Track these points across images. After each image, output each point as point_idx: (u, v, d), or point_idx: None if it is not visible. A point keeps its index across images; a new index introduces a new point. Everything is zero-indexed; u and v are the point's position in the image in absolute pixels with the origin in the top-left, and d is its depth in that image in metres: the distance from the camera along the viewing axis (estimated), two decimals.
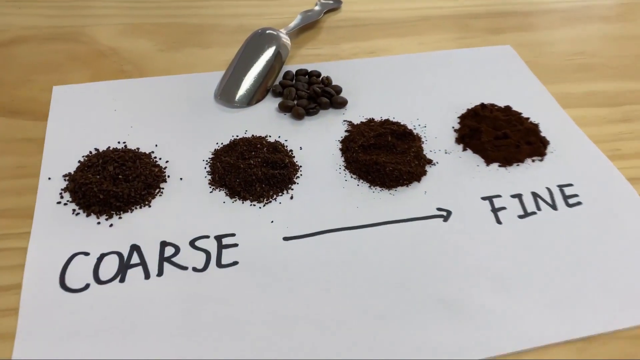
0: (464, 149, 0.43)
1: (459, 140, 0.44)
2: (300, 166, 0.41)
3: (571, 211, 0.39)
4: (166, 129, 0.43)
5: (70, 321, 0.31)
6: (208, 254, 0.35)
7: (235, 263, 0.34)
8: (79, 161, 0.40)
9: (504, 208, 0.39)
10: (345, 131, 0.44)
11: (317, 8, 0.58)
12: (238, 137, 0.42)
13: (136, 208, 0.37)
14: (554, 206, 0.39)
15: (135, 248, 0.35)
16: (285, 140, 0.43)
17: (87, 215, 0.36)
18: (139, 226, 0.36)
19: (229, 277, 0.33)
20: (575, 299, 0.33)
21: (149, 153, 0.41)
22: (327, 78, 0.48)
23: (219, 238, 0.35)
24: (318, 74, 0.49)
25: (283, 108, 0.45)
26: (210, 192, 0.38)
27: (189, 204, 0.37)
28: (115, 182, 0.37)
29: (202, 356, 0.30)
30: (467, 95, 0.48)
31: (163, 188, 0.39)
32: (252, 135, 0.43)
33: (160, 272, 0.33)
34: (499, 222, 0.38)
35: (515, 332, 0.32)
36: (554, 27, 0.59)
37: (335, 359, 0.30)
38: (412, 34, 0.56)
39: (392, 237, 0.36)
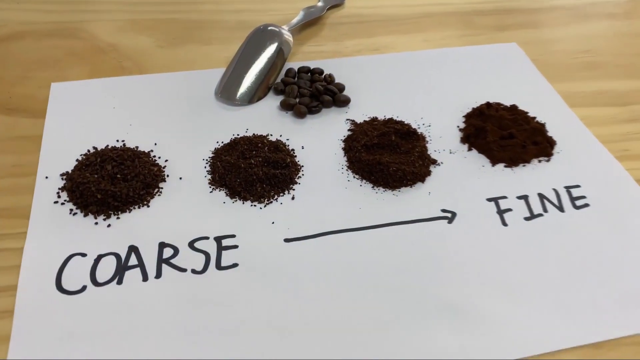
0: (469, 149, 0.42)
1: (464, 140, 0.43)
2: (302, 166, 0.40)
3: (578, 213, 0.38)
4: (166, 127, 0.42)
5: (67, 324, 0.30)
6: (207, 255, 0.34)
7: (235, 265, 0.34)
8: (77, 160, 0.39)
9: (509, 210, 0.38)
10: (348, 130, 0.43)
11: (320, 4, 0.57)
12: (239, 136, 0.42)
13: (134, 208, 0.36)
14: (560, 208, 0.38)
15: (133, 249, 0.34)
16: (287, 139, 0.42)
17: (85, 215, 0.36)
18: (137, 227, 0.35)
19: (229, 279, 0.33)
20: (583, 304, 0.33)
21: (148, 152, 0.40)
22: (330, 76, 0.47)
23: (218, 239, 0.35)
24: (321, 72, 0.48)
25: (285, 106, 0.44)
26: (210, 192, 0.38)
27: (188, 204, 0.37)
28: (113, 181, 0.37)
29: None
30: (472, 93, 0.47)
31: (162, 188, 0.38)
32: (253, 134, 0.42)
33: (158, 274, 0.33)
34: (504, 224, 0.37)
35: (521, 337, 0.31)
36: (561, 25, 0.58)
37: None
38: (416, 31, 0.55)
39: (396, 239, 0.36)
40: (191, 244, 0.34)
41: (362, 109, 0.45)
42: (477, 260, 0.35)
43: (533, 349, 0.30)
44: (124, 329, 0.30)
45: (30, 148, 0.40)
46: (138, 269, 0.33)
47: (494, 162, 0.41)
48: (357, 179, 0.39)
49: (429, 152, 0.41)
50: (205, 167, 0.39)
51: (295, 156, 0.41)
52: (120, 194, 0.36)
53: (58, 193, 0.37)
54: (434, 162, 0.41)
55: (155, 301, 0.32)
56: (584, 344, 0.31)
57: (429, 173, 0.40)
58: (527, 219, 0.37)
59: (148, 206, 0.37)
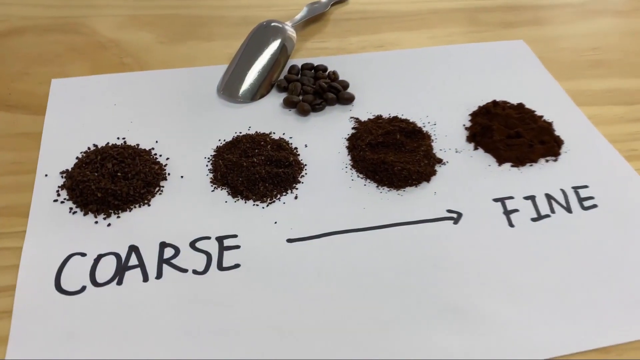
0: (475, 148, 0.41)
1: (470, 139, 0.42)
2: (305, 165, 0.39)
3: (586, 214, 0.37)
4: (167, 124, 0.42)
5: (66, 325, 0.30)
6: (209, 255, 0.33)
7: (237, 266, 0.33)
8: (77, 157, 0.38)
9: (516, 210, 0.37)
10: (352, 128, 0.42)
11: (323, 0, 0.56)
12: (241, 134, 0.41)
13: (135, 207, 0.36)
14: (568, 209, 0.38)
15: (133, 249, 0.33)
16: (290, 138, 0.41)
17: (85, 214, 0.35)
18: (138, 226, 0.35)
19: (231, 280, 0.32)
20: (591, 307, 0.32)
21: (149, 150, 0.40)
22: (334, 73, 0.47)
23: (220, 239, 0.34)
24: (324, 69, 0.48)
25: (288, 104, 0.44)
26: (212, 191, 0.37)
27: (189, 204, 0.36)
28: (113, 179, 0.36)
29: None
30: (479, 91, 0.46)
31: (163, 186, 0.37)
32: (256, 132, 0.41)
33: (159, 275, 0.32)
34: (511, 225, 0.36)
35: (527, 342, 0.30)
36: (568, 22, 0.57)
37: None
38: (421, 28, 0.55)
39: (400, 239, 0.35)
40: (192, 244, 0.34)
41: (366, 107, 0.44)
42: (483, 261, 0.34)
43: (539, 353, 0.30)
44: (124, 331, 0.30)
45: (30, 145, 0.40)
46: (138, 269, 0.33)
47: (500, 161, 0.40)
48: (361, 178, 0.39)
49: (434, 151, 0.41)
50: (207, 165, 0.39)
51: (299, 155, 0.40)
52: (120, 192, 0.35)
53: (58, 191, 0.36)
54: (440, 161, 0.40)
55: (155, 302, 0.31)
56: (591, 349, 0.30)
57: (434, 172, 0.39)
58: (534, 219, 0.37)
59: (149, 205, 0.36)
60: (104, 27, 0.52)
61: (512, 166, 0.40)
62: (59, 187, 0.37)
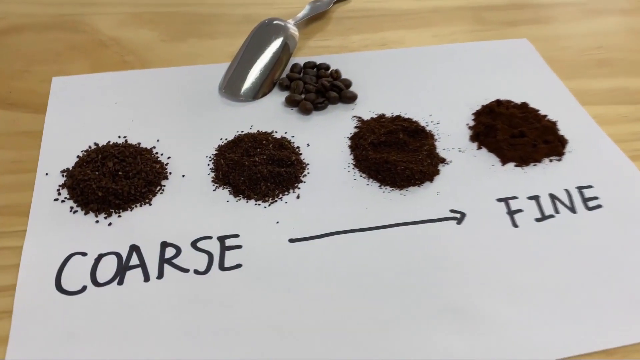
0: (479, 148, 0.41)
1: (473, 138, 0.42)
2: (308, 164, 0.39)
3: (591, 215, 0.37)
4: (168, 123, 0.42)
5: (66, 325, 0.30)
6: (210, 255, 0.33)
7: (238, 266, 0.33)
8: (78, 156, 0.38)
9: (520, 210, 0.37)
10: (355, 127, 0.42)
11: None
12: (243, 133, 0.41)
13: (136, 206, 0.35)
14: (572, 209, 0.37)
15: (134, 249, 0.33)
16: (292, 137, 0.41)
17: (85, 214, 0.35)
18: (139, 225, 0.34)
19: (232, 280, 0.32)
20: (595, 308, 0.32)
21: (151, 148, 0.39)
22: (336, 71, 0.46)
23: (222, 239, 0.34)
24: (327, 67, 0.47)
25: (290, 102, 0.44)
26: (214, 190, 0.37)
27: (191, 203, 0.36)
28: (114, 178, 0.36)
29: None
30: (482, 90, 0.46)
31: (164, 185, 0.37)
32: (258, 131, 0.41)
33: (160, 275, 0.32)
34: (515, 225, 0.36)
35: (531, 343, 0.30)
36: (572, 20, 0.57)
37: None
38: (425, 26, 0.54)
39: (403, 239, 0.35)
40: (194, 244, 0.34)
41: (369, 106, 0.44)
42: (487, 262, 0.34)
43: (543, 355, 0.30)
44: (125, 331, 0.30)
45: (30, 144, 0.39)
46: (139, 269, 0.32)
47: (504, 161, 0.40)
48: (364, 177, 0.38)
49: (437, 151, 0.40)
50: (208, 164, 0.39)
51: (301, 154, 0.40)
52: (121, 191, 0.35)
53: (58, 190, 0.36)
54: (443, 160, 0.40)
55: (156, 302, 0.31)
56: (595, 350, 0.30)
57: (437, 172, 0.39)
58: (538, 220, 0.36)
59: (150, 204, 0.36)
60: (105, 25, 0.52)
61: (515, 166, 0.40)
62: (59, 186, 0.36)
